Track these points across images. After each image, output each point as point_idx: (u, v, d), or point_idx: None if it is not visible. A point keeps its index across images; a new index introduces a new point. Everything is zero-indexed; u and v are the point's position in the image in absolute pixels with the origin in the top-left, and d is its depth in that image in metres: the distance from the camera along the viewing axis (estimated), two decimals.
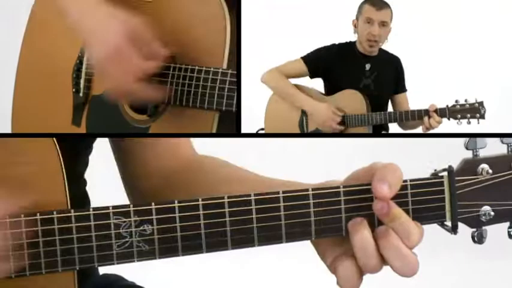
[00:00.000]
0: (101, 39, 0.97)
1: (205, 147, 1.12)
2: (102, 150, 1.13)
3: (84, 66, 1.15)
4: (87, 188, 1.12)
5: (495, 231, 0.88)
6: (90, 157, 1.11)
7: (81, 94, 1.16)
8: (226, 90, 0.99)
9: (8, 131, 1.23)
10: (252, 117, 1.68)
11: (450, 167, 0.84)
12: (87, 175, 1.12)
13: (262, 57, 1.86)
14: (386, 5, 1.69)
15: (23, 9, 1.19)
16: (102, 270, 1.14)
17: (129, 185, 1.12)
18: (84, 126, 1.15)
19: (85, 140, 1.08)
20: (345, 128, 1.71)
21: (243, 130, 1.08)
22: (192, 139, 1.12)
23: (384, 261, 0.82)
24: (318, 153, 2.68)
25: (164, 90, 1.01)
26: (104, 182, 1.57)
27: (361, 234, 0.81)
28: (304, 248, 0.92)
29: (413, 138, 2.57)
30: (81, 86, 1.16)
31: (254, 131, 1.79)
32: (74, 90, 1.17)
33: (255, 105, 1.73)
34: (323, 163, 2.47)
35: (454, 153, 0.88)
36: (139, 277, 1.16)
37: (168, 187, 1.05)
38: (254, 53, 1.68)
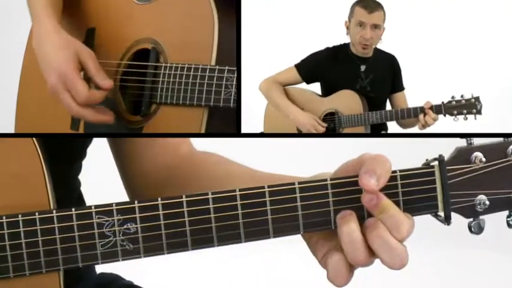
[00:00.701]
0: (52, 66, 0.99)
1: (204, 147, 1.08)
2: (99, 152, 1.09)
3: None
4: (85, 190, 1.07)
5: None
6: (88, 157, 1.07)
7: None
8: (214, 86, 0.97)
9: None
10: (252, 117, 1.62)
11: (441, 156, 0.77)
12: (85, 176, 1.07)
13: (263, 57, 1.80)
14: (379, 7, 1.59)
15: (27, 14, 1.13)
16: (99, 269, 1.09)
17: (129, 184, 1.08)
18: (82, 130, 1.10)
19: (79, 145, 1.05)
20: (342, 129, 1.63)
21: (243, 130, 1.04)
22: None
23: (373, 254, 0.75)
24: (318, 153, 2.63)
25: (111, 114, 1.02)
26: (101, 183, 1.53)
27: (348, 227, 0.75)
28: (298, 243, 0.86)
29: (412, 138, 2.50)
30: None
31: (254, 131, 1.72)
32: None
33: (255, 105, 1.67)
34: (323, 163, 2.39)
35: None
36: (137, 276, 1.12)
37: (168, 184, 1.01)
38: (254, 53, 1.63)
